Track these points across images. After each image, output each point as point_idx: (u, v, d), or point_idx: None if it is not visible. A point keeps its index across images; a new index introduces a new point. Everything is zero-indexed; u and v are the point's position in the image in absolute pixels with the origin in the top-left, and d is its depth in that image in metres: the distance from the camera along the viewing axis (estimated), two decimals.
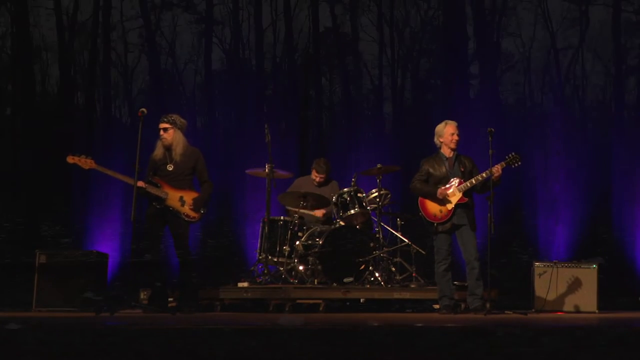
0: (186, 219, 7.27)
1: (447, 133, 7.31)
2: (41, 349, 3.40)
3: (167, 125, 7.24)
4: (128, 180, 7.03)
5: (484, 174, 7.16)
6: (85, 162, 7.04)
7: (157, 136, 7.34)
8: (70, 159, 7.06)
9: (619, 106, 17.75)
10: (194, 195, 7.29)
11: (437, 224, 7.28)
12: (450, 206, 7.22)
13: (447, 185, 7.26)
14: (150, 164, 7.35)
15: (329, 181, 8.80)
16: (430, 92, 17.82)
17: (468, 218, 7.27)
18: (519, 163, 7.21)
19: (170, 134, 7.24)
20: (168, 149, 7.27)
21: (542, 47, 19.43)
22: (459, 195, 7.22)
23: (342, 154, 14.07)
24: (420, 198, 7.38)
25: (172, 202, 7.21)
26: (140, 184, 7.04)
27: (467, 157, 7.43)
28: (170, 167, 7.26)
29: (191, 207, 7.25)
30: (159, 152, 7.30)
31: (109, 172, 7.11)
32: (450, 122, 7.37)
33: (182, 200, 7.23)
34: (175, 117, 7.30)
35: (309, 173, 9.06)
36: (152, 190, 7.16)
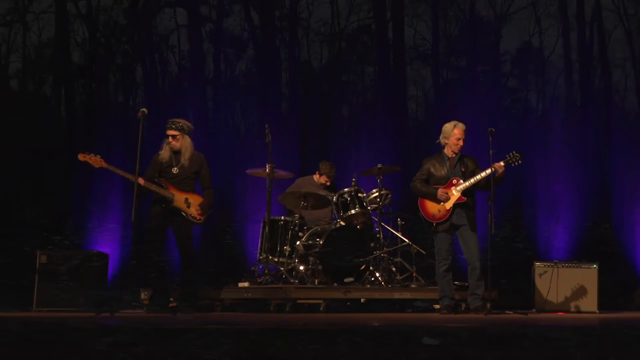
0: (192, 219, 7.29)
1: (453, 136, 7.27)
2: (42, 348, 3.39)
3: (175, 133, 7.24)
4: (136, 180, 6.95)
5: (484, 173, 7.15)
6: (96, 161, 7.00)
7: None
8: (81, 157, 7.01)
9: (619, 105, 17.75)
10: (199, 199, 7.33)
11: (436, 223, 7.29)
12: (448, 206, 7.22)
13: (447, 185, 7.26)
14: (154, 163, 7.33)
15: (334, 186, 8.85)
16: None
17: (468, 218, 7.26)
18: (520, 162, 7.20)
19: (179, 141, 7.25)
20: (176, 152, 7.28)
21: (542, 45, 19.39)
22: (457, 195, 7.22)
23: (342, 154, 14.05)
24: (419, 198, 7.38)
25: (178, 203, 7.23)
26: (141, 180, 6.99)
27: (470, 158, 7.41)
28: (175, 170, 7.28)
29: (198, 210, 7.29)
30: (165, 154, 7.29)
31: (118, 171, 7.04)
32: (459, 124, 7.29)
33: (187, 202, 7.26)
34: (182, 122, 7.29)
35: (310, 173, 9.07)
36: (160, 191, 7.17)
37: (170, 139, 7.25)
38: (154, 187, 7.14)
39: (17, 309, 8.23)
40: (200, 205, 7.30)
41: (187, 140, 7.30)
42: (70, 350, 3.48)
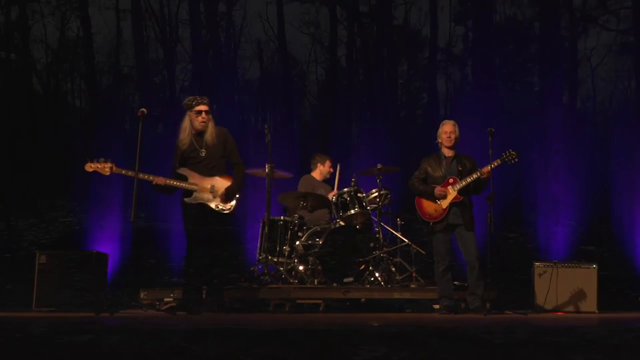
0: (218, 211, 6.91)
1: (442, 132, 7.36)
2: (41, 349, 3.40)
3: (207, 108, 6.84)
4: (154, 178, 6.71)
5: (474, 175, 7.18)
6: (104, 168, 6.61)
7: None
8: (89, 167, 6.62)
9: (619, 105, 17.79)
10: (226, 183, 6.90)
11: (433, 223, 7.30)
12: (445, 204, 7.24)
13: (443, 184, 7.28)
14: (177, 152, 6.93)
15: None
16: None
17: (464, 217, 7.27)
18: (516, 160, 7.20)
19: (210, 117, 6.87)
20: (199, 133, 6.90)
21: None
22: (453, 194, 7.24)
23: (342, 154, 14.07)
24: (416, 197, 7.41)
25: (202, 194, 6.84)
26: (160, 180, 6.70)
27: (468, 158, 7.43)
28: (203, 153, 6.88)
29: (223, 198, 6.88)
30: (186, 137, 6.88)
31: (133, 174, 6.61)
32: (447, 121, 7.43)
33: (213, 189, 6.86)
34: (207, 98, 6.94)
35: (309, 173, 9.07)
36: (181, 184, 6.80)
37: (203, 115, 6.82)
38: (177, 184, 6.81)
39: (17, 309, 8.24)
40: (226, 190, 6.85)
41: (211, 118, 6.94)
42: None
